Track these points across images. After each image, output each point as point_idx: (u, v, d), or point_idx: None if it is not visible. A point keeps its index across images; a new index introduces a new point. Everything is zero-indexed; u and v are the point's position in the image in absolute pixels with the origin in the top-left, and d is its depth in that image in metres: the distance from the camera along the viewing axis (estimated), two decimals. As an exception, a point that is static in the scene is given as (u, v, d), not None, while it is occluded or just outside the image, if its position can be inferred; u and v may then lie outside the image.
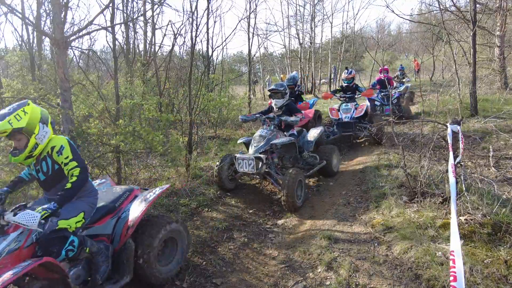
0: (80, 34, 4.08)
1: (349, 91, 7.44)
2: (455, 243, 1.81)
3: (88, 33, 4.53)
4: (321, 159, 5.22)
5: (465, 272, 2.47)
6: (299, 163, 5.06)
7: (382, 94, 8.96)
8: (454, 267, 1.65)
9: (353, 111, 6.98)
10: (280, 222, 4.12)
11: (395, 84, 10.26)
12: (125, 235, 2.55)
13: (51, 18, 3.86)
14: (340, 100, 7.45)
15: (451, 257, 1.74)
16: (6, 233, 2.05)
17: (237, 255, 3.44)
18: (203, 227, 3.88)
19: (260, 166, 4.26)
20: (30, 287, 2.04)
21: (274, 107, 5.15)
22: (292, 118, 4.67)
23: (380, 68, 10.32)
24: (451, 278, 1.62)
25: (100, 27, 4.46)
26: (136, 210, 2.66)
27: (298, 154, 4.98)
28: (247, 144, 4.88)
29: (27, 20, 4.21)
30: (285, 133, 4.97)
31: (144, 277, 2.66)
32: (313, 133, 5.51)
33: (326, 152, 5.36)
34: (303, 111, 7.36)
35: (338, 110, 7.23)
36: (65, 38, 3.70)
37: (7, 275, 1.82)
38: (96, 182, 3.07)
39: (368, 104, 7.43)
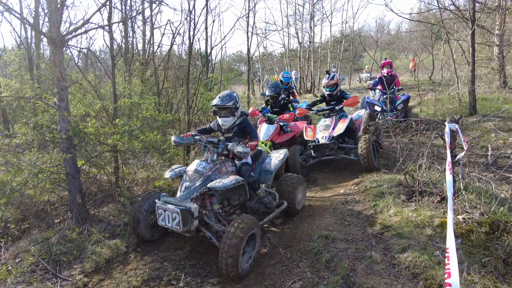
0: (77, 32, 4.05)
1: (333, 101, 6.07)
2: (450, 240, 1.81)
3: (85, 32, 4.50)
4: (281, 197, 4.04)
5: (463, 271, 2.46)
6: (252, 202, 3.83)
7: (383, 97, 7.36)
8: (449, 264, 1.65)
9: (333, 129, 5.55)
10: (277, 221, 4.11)
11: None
12: None
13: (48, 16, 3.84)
14: (318, 115, 6.09)
15: (446, 254, 1.74)
16: None
17: (235, 254, 3.42)
18: (200, 227, 3.87)
19: (189, 222, 3.00)
20: None
21: (222, 128, 3.87)
22: (240, 149, 3.31)
23: (382, 63, 8.25)
24: (446, 275, 1.61)
25: (97, 26, 4.44)
26: None
27: (250, 191, 3.67)
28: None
29: (24, 20, 4.18)
30: (235, 161, 3.73)
31: None
32: (274, 160, 4.05)
33: (288, 188, 4.05)
34: (290, 123, 6.24)
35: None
36: (61, 36, 3.68)
37: None
38: None
39: (356, 116, 6.09)
